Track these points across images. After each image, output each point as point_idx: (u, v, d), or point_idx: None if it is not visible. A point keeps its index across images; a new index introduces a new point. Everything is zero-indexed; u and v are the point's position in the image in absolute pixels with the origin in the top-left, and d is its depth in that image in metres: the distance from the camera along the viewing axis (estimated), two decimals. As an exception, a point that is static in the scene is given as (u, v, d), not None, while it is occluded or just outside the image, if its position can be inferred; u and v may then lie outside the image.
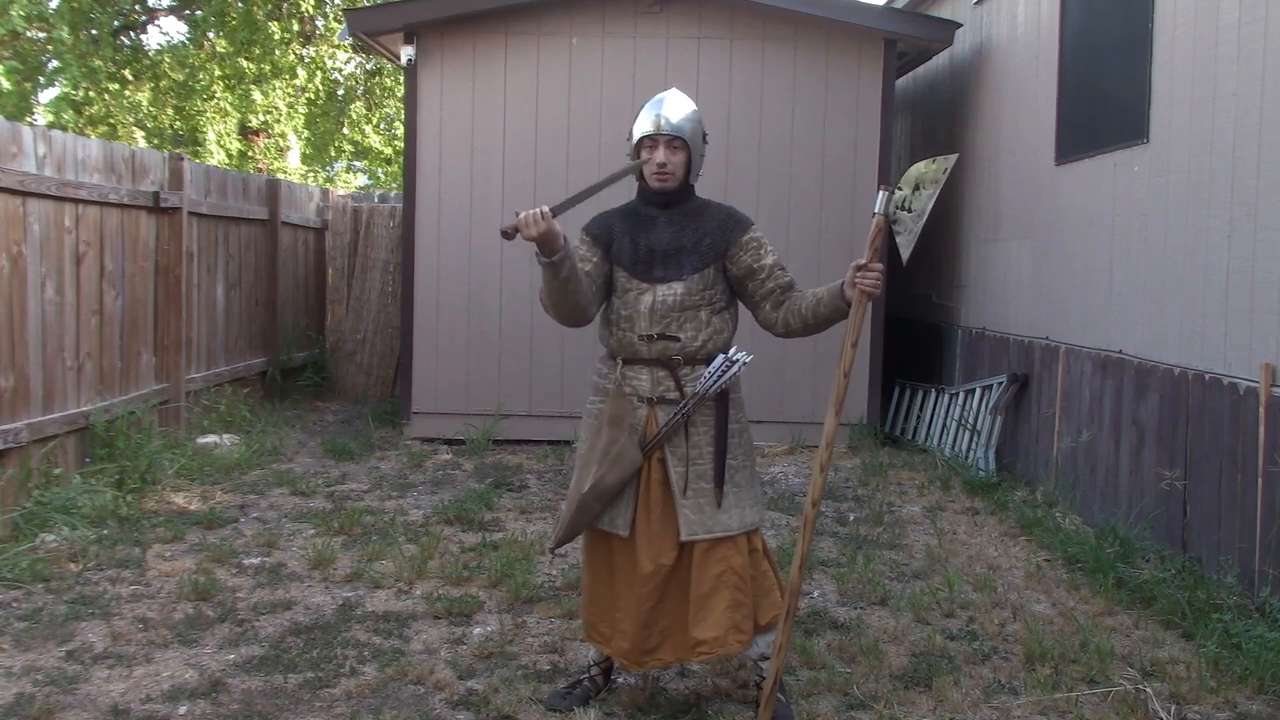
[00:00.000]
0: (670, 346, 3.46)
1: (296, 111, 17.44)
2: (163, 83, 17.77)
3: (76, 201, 6.16)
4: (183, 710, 3.53)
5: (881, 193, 3.23)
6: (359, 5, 15.15)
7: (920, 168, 3.23)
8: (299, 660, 3.94)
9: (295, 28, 17.26)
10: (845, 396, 3.26)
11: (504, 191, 8.11)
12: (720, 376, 3.41)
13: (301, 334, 10.38)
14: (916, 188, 3.21)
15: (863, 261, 3.22)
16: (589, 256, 3.55)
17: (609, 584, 3.52)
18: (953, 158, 3.23)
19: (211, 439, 7.44)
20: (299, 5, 17.12)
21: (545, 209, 3.17)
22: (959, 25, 8.20)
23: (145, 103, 17.76)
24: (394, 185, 18.22)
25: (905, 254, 3.24)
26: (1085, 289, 6.17)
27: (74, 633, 4.16)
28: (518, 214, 3.19)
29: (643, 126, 3.50)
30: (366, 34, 8.20)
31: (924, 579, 5.02)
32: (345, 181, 20.75)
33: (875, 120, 8.07)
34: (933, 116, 9.40)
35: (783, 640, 3.32)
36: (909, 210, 3.20)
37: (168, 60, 17.67)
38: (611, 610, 3.51)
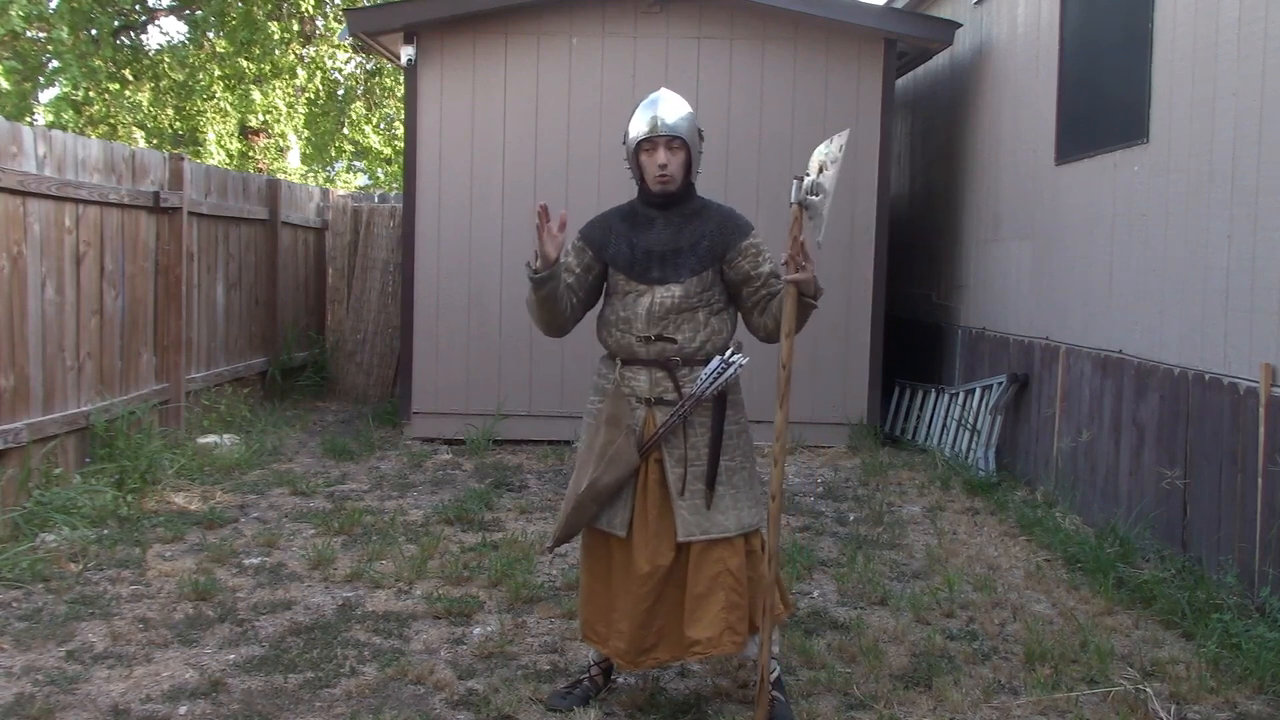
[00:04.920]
0: (668, 348, 3.46)
1: (296, 111, 17.44)
2: (163, 83, 17.76)
3: (76, 201, 6.16)
4: (183, 710, 3.53)
5: (794, 182, 3.33)
6: (359, 5, 15.15)
7: (820, 150, 3.35)
8: (299, 660, 3.94)
9: (295, 28, 17.26)
10: (789, 390, 3.34)
11: (504, 192, 8.12)
12: (717, 378, 3.41)
13: (301, 334, 10.39)
14: (821, 169, 3.32)
15: (784, 256, 3.28)
16: (574, 266, 3.60)
17: (606, 584, 3.52)
18: (845, 133, 3.37)
19: (211, 439, 7.44)
20: (299, 5, 17.12)
21: (559, 232, 3.38)
22: (959, 25, 8.20)
23: (145, 103, 17.75)
24: (394, 185, 18.21)
25: (819, 235, 3.32)
26: (1085, 289, 6.17)
27: (74, 633, 4.16)
28: (562, 213, 3.38)
29: (639, 129, 3.50)
30: (366, 34, 8.20)
31: (924, 579, 5.02)
32: (345, 181, 20.74)
33: (875, 120, 8.06)
34: (933, 116, 9.40)
35: (765, 638, 3.34)
36: (816, 195, 3.31)
37: (168, 60, 17.66)
38: (608, 610, 3.51)
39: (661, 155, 3.48)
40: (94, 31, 16.38)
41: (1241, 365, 4.61)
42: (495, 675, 3.84)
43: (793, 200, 3.32)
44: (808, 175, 3.33)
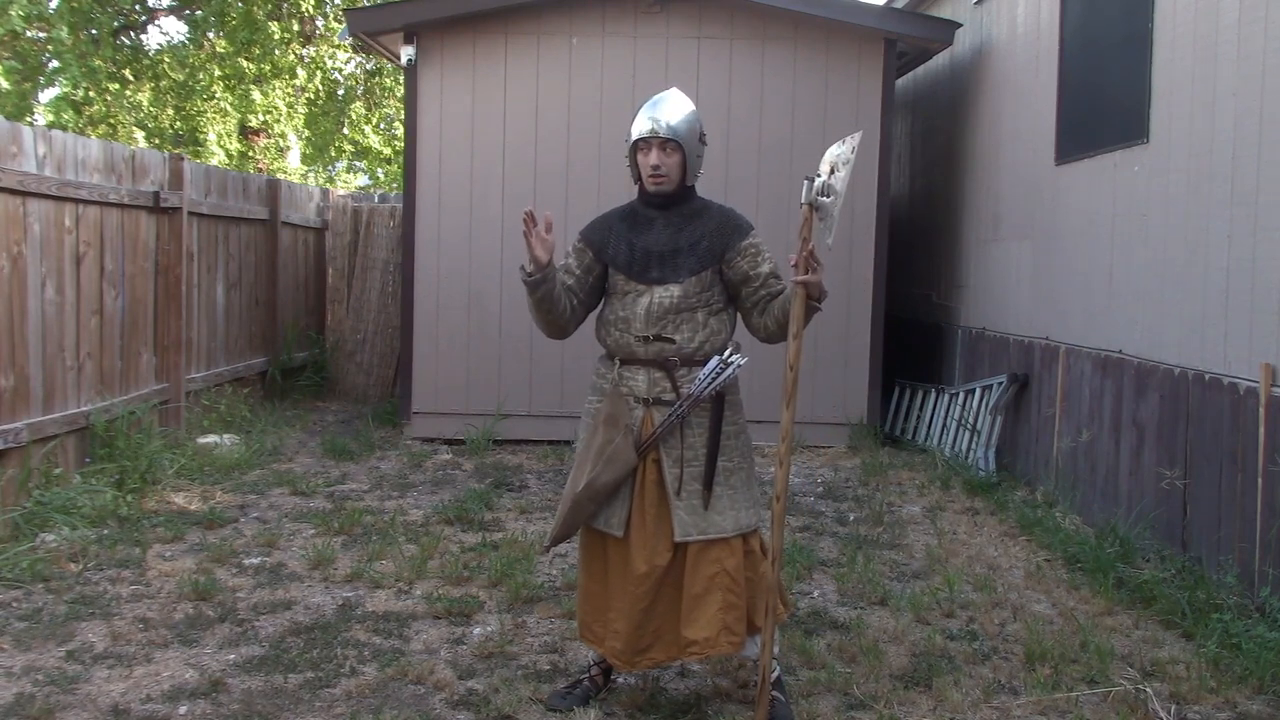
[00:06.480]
0: (666, 348, 3.46)
1: (296, 111, 17.44)
2: (163, 83, 17.76)
3: (76, 201, 6.16)
4: (183, 710, 3.53)
5: (805, 183, 3.29)
6: (359, 5, 15.15)
7: (833, 151, 3.32)
8: (299, 660, 3.94)
9: (295, 28, 17.26)
10: (795, 390, 3.34)
11: (504, 192, 8.12)
12: (715, 378, 3.41)
13: (301, 334, 10.39)
14: (833, 171, 3.29)
15: (793, 257, 3.26)
16: (574, 268, 3.60)
17: (603, 584, 3.52)
18: (858, 135, 3.34)
19: (211, 439, 7.44)
20: (299, 5, 17.12)
21: (546, 234, 3.38)
22: (959, 25, 8.20)
23: (145, 103, 17.76)
24: (394, 185, 18.21)
25: (828, 238, 3.30)
26: (1085, 289, 6.17)
27: (74, 633, 4.16)
28: (547, 216, 3.41)
29: (638, 128, 3.50)
30: (366, 34, 8.20)
31: (924, 579, 5.02)
32: (345, 181, 20.74)
33: (875, 120, 8.06)
34: (933, 116, 9.40)
35: (767, 638, 3.34)
36: (828, 196, 3.28)
37: (168, 60, 17.66)
38: (605, 610, 3.51)
39: (655, 156, 3.48)
40: (94, 31, 16.38)
41: (1241, 365, 4.61)
42: (495, 675, 3.84)
43: (803, 201, 3.29)
44: (819, 176, 3.30)
